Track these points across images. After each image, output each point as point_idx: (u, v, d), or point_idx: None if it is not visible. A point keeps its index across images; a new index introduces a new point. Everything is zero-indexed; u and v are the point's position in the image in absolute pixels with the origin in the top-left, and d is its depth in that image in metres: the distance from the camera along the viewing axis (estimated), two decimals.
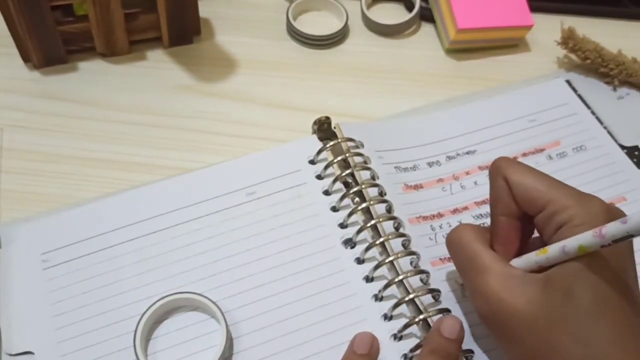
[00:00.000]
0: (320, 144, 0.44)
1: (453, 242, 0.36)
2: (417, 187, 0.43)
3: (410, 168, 0.44)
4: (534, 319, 0.31)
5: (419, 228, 0.41)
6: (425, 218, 0.42)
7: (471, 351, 0.36)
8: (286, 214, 0.41)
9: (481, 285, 0.33)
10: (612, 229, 0.28)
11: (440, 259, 0.40)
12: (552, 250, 0.31)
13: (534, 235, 0.36)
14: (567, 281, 0.30)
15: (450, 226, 0.42)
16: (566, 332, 0.29)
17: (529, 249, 0.33)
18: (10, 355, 0.35)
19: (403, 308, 0.37)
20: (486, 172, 0.44)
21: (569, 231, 0.31)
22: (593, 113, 0.49)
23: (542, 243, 0.33)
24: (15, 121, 0.46)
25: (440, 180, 0.44)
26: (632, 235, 0.27)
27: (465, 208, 0.43)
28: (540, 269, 0.32)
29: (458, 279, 0.39)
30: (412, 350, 0.36)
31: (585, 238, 0.29)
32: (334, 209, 0.41)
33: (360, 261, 0.39)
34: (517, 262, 0.34)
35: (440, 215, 0.42)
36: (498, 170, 0.35)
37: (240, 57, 0.52)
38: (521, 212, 0.34)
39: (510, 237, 0.35)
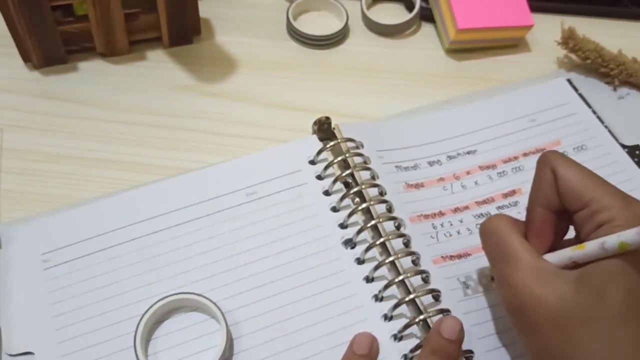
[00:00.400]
0: (320, 144, 0.44)
1: (487, 230, 0.35)
2: (418, 185, 0.43)
3: (411, 167, 0.44)
4: (562, 315, 0.30)
5: (421, 226, 0.41)
6: (426, 216, 0.42)
7: (471, 351, 0.36)
8: (286, 214, 0.41)
9: (511, 275, 0.32)
10: None
11: (442, 257, 0.40)
12: (591, 246, 0.31)
13: (566, 237, 0.36)
14: (601, 280, 0.30)
15: (451, 225, 0.42)
16: (592, 331, 0.29)
17: (561, 248, 0.33)
18: (11, 355, 0.35)
19: (403, 308, 0.37)
20: (487, 172, 0.45)
21: (609, 230, 0.30)
22: (594, 112, 0.49)
23: (579, 241, 0.32)
24: (15, 121, 0.46)
25: (441, 179, 0.44)
26: None
27: (466, 207, 0.43)
28: (574, 265, 0.32)
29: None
30: (412, 351, 0.36)
31: (628, 235, 0.29)
32: (334, 209, 0.41)
33: (360, 261, 0.39)
34: (550, 257, 0.33)
35: (441, 213, 0.42)
36: (547, 162, 0.34)
37: (240, 57, 0.52)
38: (560, 206, 0.34)
39: (546, 230, 0.34)
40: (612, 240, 0.30)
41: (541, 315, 0.31)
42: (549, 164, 0.34)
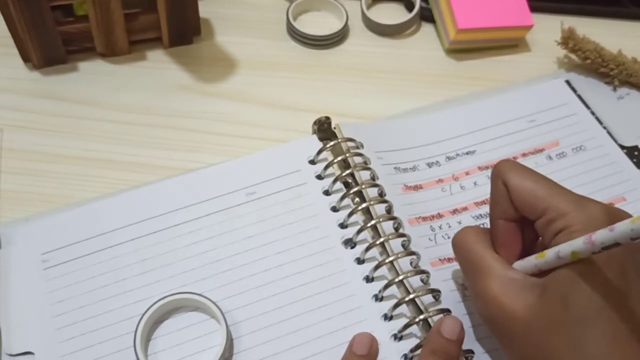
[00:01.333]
0: (320, 144, 0.44)
1: (458, 243, 0.36)
2: (417, 187, 0.43)
3: (410, 169, 0.44)
4: (531, 325, 0.31)
5: (419, 229, 0.41)
6: (425, 219, 0.42)
7: (471, 351, 0.36)
8: (286, 214, 0.41)
9: (482, 287, 0.33)
10: (601, 236, 0.28)
11: (440, 259, 0.40)
12: (549, 254, 0.31)
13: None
14: (562, 288, 0.30)
15: (449, 227, 0.42)
16: (561, 339, 0.29)
17: (535, 253, 0.33)
18: (11, 355, 0.35)
19: (403, 308, 0.37)
20: (486, 172, 0.45)
21: (566, 237, 0.30)
22: (593, 113, 0.49)
23: (543, 247, 0.33)
24: (15, 121, 0.46)
25: (440, 180, 0.44)
26: (619, 243, 0.27)
27: (465, 208, 0.43)
28: (541, 272, 0.32)
29: (458, 279, 0.39)
30: (412, 351, 0.36)
31: (577, 244, 0.29)
32: (334, 209, 0.41)
33: (360, 261, 0.39)
34: (519, 264, 0.34)
35: (439, 215, 0.42)
36: (498, 174, 0.35)
37: (240, 57, 0.52)
38: (519, 216, 0.34)
39: (510, 239, 0.35)
40: (564, 250, 0.30)
41: (514, 326, 0.31)
42: (500, 177, 0.34)
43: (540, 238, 0.35)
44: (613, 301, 0.29)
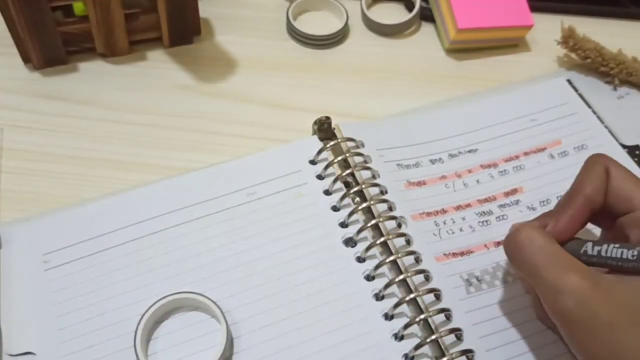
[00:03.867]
0: (320, 144, 0.44)
1: (523, 244, 0.34)
2: (420, 183, 0.43)
3: (413, 165, 0.44)
4: (620, 322, 0.30)
5: (423, 224, 0.41)
6: (429, 214, 0.42)
7: (472, 351, 0.36)
8: (287, 214, 0.41)
9: (568, 281, 0.31)
10: None
11: (445, 254, 0.40)
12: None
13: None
14: None
15: (454, 222, 0.42)
16: None
17: None
18: (12, 355, 0.35)
19: (404, 307, 0.37)
20: (488, 170, 0.45)
21: None
22: (594, 112, 0.49)
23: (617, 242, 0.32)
24: (15, 121, 0.46)
25: (443, 177, 0.44)
26: None
27: (469, 205, 0.43)
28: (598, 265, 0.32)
29: (463, 274, 0.39)
30: (413, 350, 0.36)
31: None
32: (335, 209, 0.41)
33: (361, 260, 0.39)
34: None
35: (443, 211, 0.42)
36: (599, 160, 0.35)
37: (240, 57, 0.52)
38: (600, 207, 0.34)
39: (575, 223, 0.34)
40: None
41: (600, 321, 0.30)
42: (603, 163, 0.34)
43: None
44: None
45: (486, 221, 0.42)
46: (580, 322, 0.31)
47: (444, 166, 0.44)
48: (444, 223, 0.42)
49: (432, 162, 0.45)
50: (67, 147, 0.45)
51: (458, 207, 0.43)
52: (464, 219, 0.42)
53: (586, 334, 0.31)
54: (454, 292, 0.38)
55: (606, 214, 0.34)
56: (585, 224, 0.35)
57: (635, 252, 0.30)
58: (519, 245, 0.34)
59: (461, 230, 0.41)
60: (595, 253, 0.33)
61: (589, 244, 0.33)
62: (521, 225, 0.35)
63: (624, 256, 0.31)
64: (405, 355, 0.36)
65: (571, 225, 0.34)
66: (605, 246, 0.32)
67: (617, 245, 0.32)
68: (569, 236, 0.34)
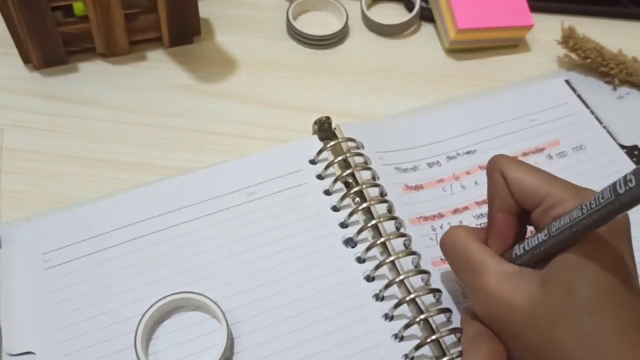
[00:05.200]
0: (320, 144, 0.44)
1: (447, 244, 0.36)
2: (418, 187, 0.43)
3: (411, 169, 0.44)
4: (535, 317, 0.31)
5: (420, 228, 0.41)
6: (426, 218, 0.42)
7: None
8: (287, 214, 0.41)
9: (479, 284, 0.33)
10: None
11: (442, 259, 0.40)
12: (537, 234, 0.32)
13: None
14: (565, 277, 0.30)
15: (451, 226, 0.42)
16: (567, 329, 0.29)
17: None
18: (11, 355, 0.35)
19: (404, 308, 0.37)
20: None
21: None
22: (592, 112, 0.49)
23: None
24: (15, 121, 0.46)
25: (441, 180, 0.44)
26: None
27: (466, 208, 0.43)
28: (536, 262, 0.32)
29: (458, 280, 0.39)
30: (413, 350, 0.36)
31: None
32: (335, 209, 0.41)
33: (361, 260, 0.39)
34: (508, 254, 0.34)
35: (440, 215, 0.42)
36: (495, 167, 0.35)
37: (240, 57, 0.52)
38: (519, 209, 0.34)
39: (506, 233, 0.35)
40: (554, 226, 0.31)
41: (516, 320, 0.31)
42: (498, 169, 0.35)
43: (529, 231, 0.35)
44: (618, 285, 0.29)
45: (483, 224, 0.42)
46: (498, 321, 0.33)
47: (442, 169, 0.45)
48: (441, 227, 0.42)
49: (430, 165, 0.45)
50: (67, 147, 0.45)
51: (455, 211, 0.43)
52: (461, 222, 0.42)
53: (504, 331, 0.33)
54: (451, 296, 0.38)
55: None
56: (519, 229, 0.35)
57: (545, 231, 0.31)
58: (443, 246, 0.36)
59: None
60: (522, 251, 0.33)
61: (517, 246, 0.34)
62: (451, 227, 0.37)
63: (540, 239, 0.32)
64: (406, 356, 0.36)
65: (503, 239, 0.35)
66: (526, 241, 0.33)
67: (533, 235, 0.32)
68: (507, 247, 0.35)
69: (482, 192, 0.43)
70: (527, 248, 0.33)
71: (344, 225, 0.41)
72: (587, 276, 0.29)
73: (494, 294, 0.32)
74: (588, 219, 0.28)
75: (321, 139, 0.45)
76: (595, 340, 0.29)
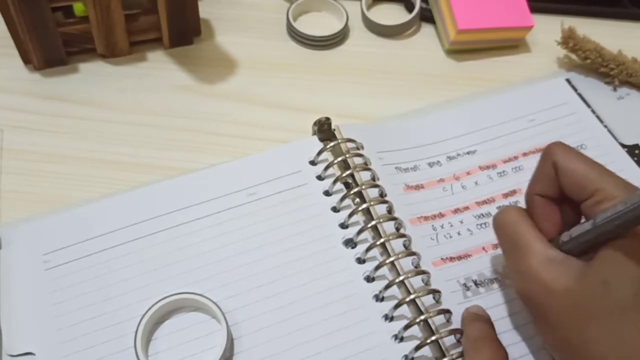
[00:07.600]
0: (320, 145, 0.44)
1: (499, 223, 0.36)
2: (418, 187, 0.43)
3: (411, 169, 0.44)
4: (570, 307, 0.31)
5: (421, 228, 0.41)
6: (426, 218, 0.42)
7: None
8: (287, 215, 0.41)
9: (523, 265, 0.33)
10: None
11: (442, 259, 0.40)
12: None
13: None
14: (605, 271, 0.30)
15: (451, 226, 0.42)
16: (600, 324, 0.29)
17: None
18: (11, 356, 0.35)
19: (404, 309, 0.37)
20: (487, 172, 0.45)
21: None
22: (593, 112, 0.49)
23: None
24: (15, 122, 0.46)
25: (441, 180, 0.44)
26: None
27: (467, 208, 0.43)
28: (582, 252, 0.32)
29: (460, 279, 0.39)
30: (413, 351, 0.36)
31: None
32: (335, 210, 0.41)
33: (361, 261, 0.39)
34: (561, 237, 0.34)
35: (441, 215, 0.42)
36: (549, 155, 0.35)
37: (240, 58, 0.52)
38: (559, 196, 0.35)
39: (549, 214, 0.35)
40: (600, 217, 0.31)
41: (551, 304, 0.31)
42: (551, 158, 0.35)
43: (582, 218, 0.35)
44: None
45: (484, 224, 0.42)
46: (533, 303, 0.33)
47: (442, 169, 0.45)
48: (442, 227, 0.42)
49: (430, 165, 0.45)
50: (67, 148, 0.45)
51: (456, 210, 0.43)
52: (461, 222, 0.42)
53: (537, 313, 0.33)
54: (452, 296, 0.38)
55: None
56: (570, 216, 0.35)
57: (590, 222, 0.31)
58: (496, 224, 0.37)
59: (459, 233, 0.41)
60: (568, 238, 0.33)
61: (565, 232, 0.34)
62: (505, 207, 0.37)
63: (585, 229, 0.32)
64: (406, 357, 0.36)
65: (550, 224, 0.35)
66: (572, 229, 0.33)
67: (580, 224, 0.33)
68: (556, 232, 0.35)
69: (483, 193, 0.43)
70: (573, 236, 0.33)
71: (343, 226, 0.41)
72: (626, 275, 0.29)
73: (536, 276, 0.32)
74: (630, 214, 0.29)
75: (321, 140, 0.45)
76: (628, 340, 0.28)
